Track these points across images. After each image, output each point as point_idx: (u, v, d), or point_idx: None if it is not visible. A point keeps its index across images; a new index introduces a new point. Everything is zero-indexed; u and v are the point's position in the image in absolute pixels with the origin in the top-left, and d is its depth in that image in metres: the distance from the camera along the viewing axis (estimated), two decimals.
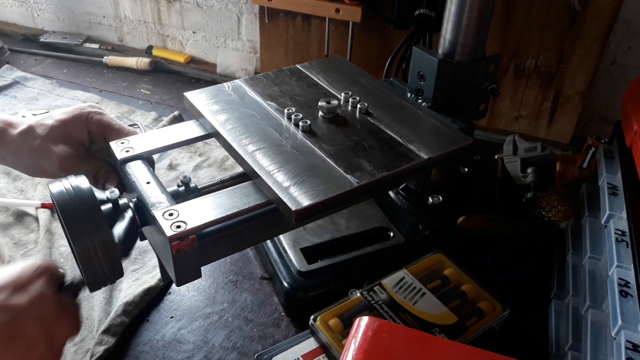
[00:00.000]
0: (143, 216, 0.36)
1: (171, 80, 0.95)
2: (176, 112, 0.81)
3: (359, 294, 0.46)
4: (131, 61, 0.95)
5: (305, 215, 0.35)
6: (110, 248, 0.32)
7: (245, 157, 0.39)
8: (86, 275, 0.32)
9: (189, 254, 0.33)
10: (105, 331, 0.47)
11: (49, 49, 1.01)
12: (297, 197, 0.35)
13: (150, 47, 1.01)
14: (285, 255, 0.51)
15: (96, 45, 1.01)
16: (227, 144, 0.41)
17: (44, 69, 0.96)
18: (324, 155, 0.39)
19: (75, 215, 0.31)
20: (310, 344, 0.43)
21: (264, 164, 0.38)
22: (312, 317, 0.44)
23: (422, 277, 0.48)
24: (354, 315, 0.43)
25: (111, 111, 0.83)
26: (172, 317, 0.50)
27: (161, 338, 0.48)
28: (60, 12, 1.06)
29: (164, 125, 0.79)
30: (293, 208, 0.34)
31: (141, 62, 0.95)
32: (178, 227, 0.33)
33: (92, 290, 0.34)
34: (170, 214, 0.34)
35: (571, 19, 0.69)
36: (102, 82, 0.93)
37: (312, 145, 0.41)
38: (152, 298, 0.51)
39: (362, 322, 0.35)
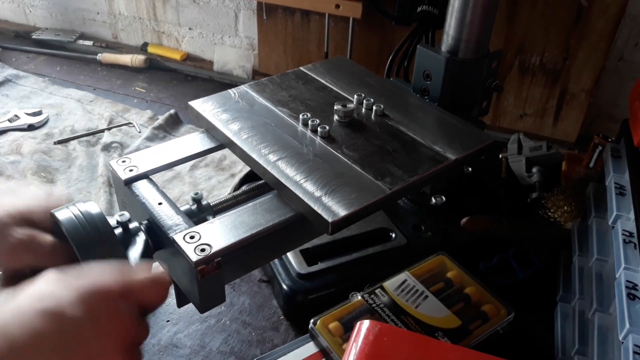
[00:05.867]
0: (156, 239, 0.34)
1: (167, 77, 0.93)
2: (172, 111, 0.80)
3: (360, 297, 0.45)
4: (126, 58, 0.94)
5: (341, 226, 0.34)
6: None
7: (268, 168, 0.38)
8: None
9: (213, 278, 0.32)
10: None
11: (42, 46, 1.00)
12: (332, 208, 0.34)
13: (145, 44, 1.00)
14: (284, 257, 0.50)
15: (90, 42, 1.00)
16: (245, 155, 0.40)
17: (36, 67, 0.94)
18: (349, 162, 0.39)
19: (90, 242, 0.29)
20: (309, 349, 0.43)
21: (289, 174, 0.37)
22: (311, 320, 0.43)
23: (425, 279, 0.47)
24: (354, 319, 0.42)
25: (105, 110, 0.81)
26: (168, 321, 0.49)
27: (157, 342, 0.47)
28: (53, 8, 1.04)
29: (160, 124, 0.77)
30: (330, 220, 0.33)
31: (136, 59, 0.93)
32: (202, 250, 0.31)
33: None
34: (192, 237, 0.32)
35: (577, 15, 0.68)
36: (96, 80, 0.91)
37: (335, 152, 0.40)
38: None
39: (363, 326, 0.35)
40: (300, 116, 0.43)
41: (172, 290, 0.51)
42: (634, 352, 0.32)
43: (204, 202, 0.38)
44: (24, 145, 0.72)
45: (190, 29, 0.96)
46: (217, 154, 0.71)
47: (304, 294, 0.47)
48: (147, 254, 0.34)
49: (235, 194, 0.40)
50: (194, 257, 0.31)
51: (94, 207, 0.31)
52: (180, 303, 0.38)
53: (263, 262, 0.43)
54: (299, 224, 0.36)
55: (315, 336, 0.42)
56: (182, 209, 0.36)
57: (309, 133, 0.42)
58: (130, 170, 0.38)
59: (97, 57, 0.95)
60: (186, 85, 0.92)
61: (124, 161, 0.39)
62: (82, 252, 0.29)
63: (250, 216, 0.35)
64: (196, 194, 0.37)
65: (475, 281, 0.47)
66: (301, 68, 0.52)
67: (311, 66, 0.52)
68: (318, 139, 0.41)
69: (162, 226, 0.34)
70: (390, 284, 0.46)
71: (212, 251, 0.31)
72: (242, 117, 0.43)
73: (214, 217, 0.38)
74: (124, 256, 0.30)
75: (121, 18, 1.00)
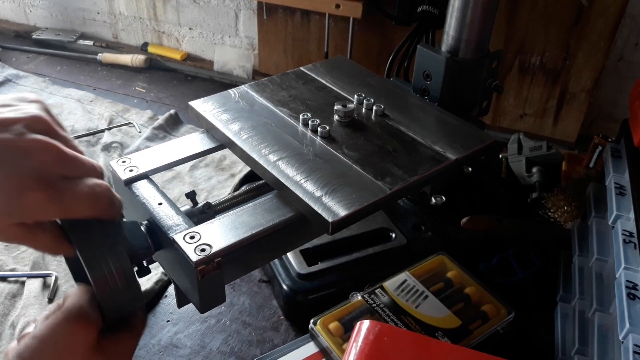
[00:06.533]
0: (156, 239, 0.34)
1: (167, 77, 0.93)
2: (172, 111, 0.80)
3: (360, 297, 0.45)
4: (126, 58, 0.94)
5: (341, 226, 0.34)
6: (128, 274, 0.30)
7: (269, 168, 0.38)
8: (103, 307, 0.30)
9: (213, 278, 0.32)
10: None
11: (42, 46, 1.00)
12: (332, 208, 0.34)
13: (145, 44, 1.00)
14: (284, 257, 0.50)
15: (90, 42, 1.00)
16: (246, 155, 0.40)
17: (36, 67, 0.94)
18: (350, 162, 0.39)
19: (91, 238, 0.28)
20: (310, 349, 0.43)
21: (289, 174, 0.37)
22: (312, 320, 0.43)
23: (425, 279, 0.47)
24: (354, 319, 0.42)
25: (105, 110, 0.81)
26: (168, 321, 0.49)
27: (157, 342, 0.47)
28: (53, 8, 1.04)
29: (160, 124, 0.77)
30: (330, 219, 0.33)
31: (136, 59, 0.93)
32: (202, 250, 0.31)
33: (109, 321, 0.31)
34: (192, 237, 0.32)
35: (577, 15, 0.68)
36: (96, 80, 0.91)
37: (335, 152, 0.40)
38: (148, 301, 0.51)
39: (364, 326, 0.35)
40: (301, 116, 0.43)
41: (172, 290, 0.51)
42: (634, 352, 0.32)
43: (203, 203, 0.38)
44: None
45: (190, 29, 0.96)
46: (217, 154, 0.71)
47: (304, 294, 0.47)
48: (148, 254, 0.34)
49: (235, 194, 0.40)
50: (194, 257, 0.31)
51: None
52: (180, 303, 0.38)
53: (263, 262, 0.43)
54: (299, 224, 0.36)
55: (315, 336, 0.42)
56: (182, 209, 0.36)
57: (309, 133, 0.42)
58: (131, 171, 0.38)
59: (97, 57, 0.95)
60: (186, 85, 0.92)
61: (124, 161, 0.39)
62: (83, 248, 0.29)
63: (250, 216, 0.34)
64: (192, 191, 0.37)
65: (475, 281, 0.47)
66: (301, 68, 0.52)
67: (311, 66, 0.52)
68: (318, 139, 0.41)
69: (162, 226, 0.33)
70: (390, 284, 0.46)
71: (212, 251, 0.31)
72: (243, 117, 0.43)
73: (214, 217, 0.38)
74: (125, 252, 0.30)
75: (121, 18, 1.00)
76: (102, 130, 0.76)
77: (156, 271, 0.53)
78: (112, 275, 0.29)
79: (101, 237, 0.29)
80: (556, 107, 0.76)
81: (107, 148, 0.72)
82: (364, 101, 0.46)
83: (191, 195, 0.37)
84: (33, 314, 0.48)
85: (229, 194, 0.40)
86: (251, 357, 0.45)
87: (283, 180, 0.36)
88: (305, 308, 0.46)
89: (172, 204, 0.36)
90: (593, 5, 0.67)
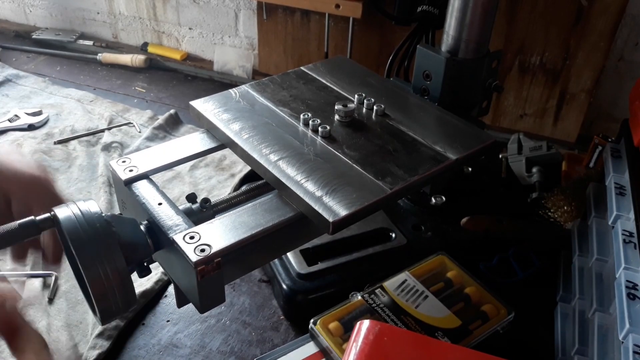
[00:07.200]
0: (156, 240, 0.34)
1: (167, 77, 0.93)
2: (172, 111, 0.80)
3: (360, 297, 0.45)
4: (126, 58, 0.94)
5: (342, 226, 0.34)
6: (123, 275, 0.30)
7: (269, 168, 0.38)
8: (98, 306, 0.30)
9: (213, 278, 0.32)
10: (100, 335, 0.46)
11: (42, 46, 1.00)
12: (333, 208, 0.34)
13: (145, 44, 1.00)
14: (284, 257, 0.50)
15: (90, 42, 1.00)
16: (246, 155, 0.40)
17: (36, 67, 0.94)
18: (350, 162, 0.39)
19: (87, 241, 0.29)
20: (310, 348, 0.43)
21: (290, 174, 0.37)
22: (311, 320, 0.43)
23: (425, 279, 0.47)
24: (354, 319, 0.42)
25: (105, 110, 0.81)
26: (168, 321, 0.49)
27: (157, 342, 0.47)
28: (53, 8, 1.04)
29: (160, 124, 0.77)
30: (330, 219, 0.33)
31: (136, 59, 0.93)
32: (202, 250, 0.31)
33: (104, 322, 0.32)
34: (192, 237, 0.32)
35: (577, 15, 0.68)
36: (96, 80, 0.91)
37: (335, 152, 0.40)
38: (148, 301, 0.51)
39: (364, 326, 0.35)
40: (301, 116, 0.43)
41: (172, 290, 0.51)
42: (634, 352, 0.32)
43: (205, 202, 0.38)
44: (24, 145, 0.72)
45: (190, 28, 0.96)
46: (217, 154, 0.71)
47: (304, 294, 0.47)
48: (147, 254, 0.34)
49: (235, 194, 0.40)
50: (193, 258, 0.31)
51: (93, 206, 0.31)
52: (180, 303, 0.38)
53: (263, 262, 0.43)
54: (299, 224, 0.36)
55: (315, 336, 0.42)
56: (182, 208, 0.36)
57: (309, 133, 0.42)
58: (130, 171, 0.38)
59: (97, 57, 0.95)
60: (186, 85, 0.92)
61: (124, 161, 0.39)
62: (79, 251, 0.29)
63: (250, 216, 0.35)
64: (195, 194, 0.37)
65: (475, 281, 0.47)
66: (302, 68, 0.52)
67: (312, 66, 0.52)
68: (319, 139, 0.41)
69: (161, 226, 0.34)
70: (390, 284, 0.46)
71: (212, 251, 0.31)
72: (243, 117, 0.43)
73: (213, 217, 0.38)
74: (120, 254, 0.30)
75: (121, 18, 1.00)
76: (102, 130, 0.76)
77: (156, 271, 0.53)
78: (108, 277, 0.29)
79: (97, 239, 0.29)
80: (556, 107, 0.76)
81: (107, 148, 0.72)
82: (365, 101, 0.46)
83: (191, 197, 0.37)
84: (33, 314, 0.48)
85: (229, 193, 0.40)
86: (251, 357, 0.45)
87: (284, 180, 0.37)
88: (305, 308, 0.46)
89: (172, 204, 0.36)
90: (593, 5, 0.67)
